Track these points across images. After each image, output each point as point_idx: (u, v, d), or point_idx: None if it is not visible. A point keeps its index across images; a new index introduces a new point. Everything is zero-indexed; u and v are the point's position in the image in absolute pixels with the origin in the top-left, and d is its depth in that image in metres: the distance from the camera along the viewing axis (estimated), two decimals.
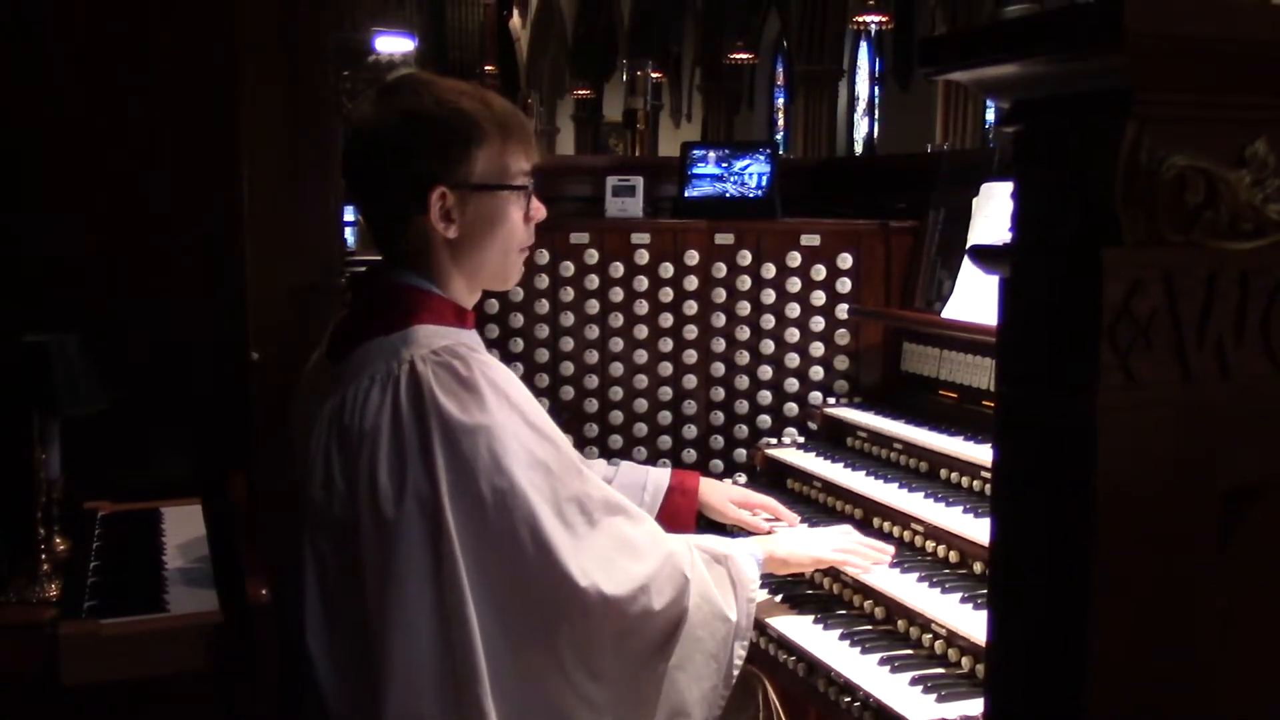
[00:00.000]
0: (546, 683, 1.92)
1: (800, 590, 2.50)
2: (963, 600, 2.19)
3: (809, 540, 2.40)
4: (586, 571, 1.89)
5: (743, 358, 3.30)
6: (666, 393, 3.30)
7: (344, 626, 1.92)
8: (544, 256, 3.24)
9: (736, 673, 2.10)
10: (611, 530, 1.96)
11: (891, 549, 2.42)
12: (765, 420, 3.30)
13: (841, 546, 2.37)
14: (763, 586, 2.32)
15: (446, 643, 1.84)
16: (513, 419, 1.87)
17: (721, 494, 2.66)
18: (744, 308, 3.29)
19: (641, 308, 3.28)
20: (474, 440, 1.82)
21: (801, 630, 2.31)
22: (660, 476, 2.59)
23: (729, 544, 2.22)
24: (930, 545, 2.43)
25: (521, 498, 1.84)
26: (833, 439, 3.12)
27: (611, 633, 1.94)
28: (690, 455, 3.30)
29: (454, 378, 1.85)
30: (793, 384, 3.30)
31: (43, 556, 2.58)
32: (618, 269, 3.26)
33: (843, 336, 3.29)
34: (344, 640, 1.92)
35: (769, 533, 2.54)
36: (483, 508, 1.83)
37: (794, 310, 3.28)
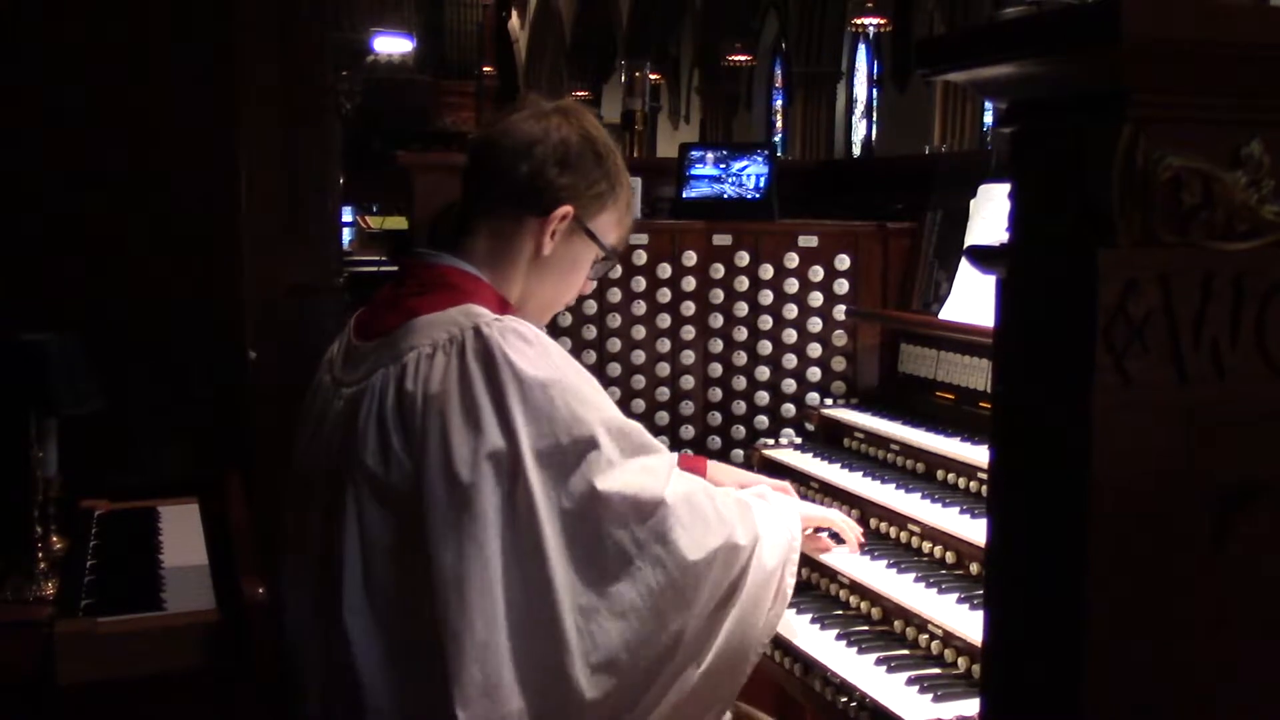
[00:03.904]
0: (628, 632, 1.92)
1: (797, 590, 2.50)
2: (959, 600, 2.20)
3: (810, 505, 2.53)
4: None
5: (740, 359, 3.30)
6: (664, 393, 3.30)
7: (389, 601, 1.89)
8: None
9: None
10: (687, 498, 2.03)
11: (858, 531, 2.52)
12: (763, 421, 3.30)
13: (832, 518, 2.49)
14: None
15: (527, 595, 1.84)
16: (580, 381, 1.93)
17: (731, 477, 2.65)
18: (741, 309, 3.29)
19: (639, 308, 3.28)
20: (549, 393, 1.86)
21: (798, 629, 2.31)
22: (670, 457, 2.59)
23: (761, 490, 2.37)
24: (927, 546, 2.44)
25: (605, 448, 1.88)
26: (830, 440, 3.12)
27: (705, 575, 1.98)
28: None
29: (519, 338, 1.90)
30: (790, 385, 3.30)
31: (39, 555, 2.59)
32: (615, 269, 3.26)
33: (840, 338, 3.29)
34: (388, 614, 1.90)
35: None
36: (563, 458, 1.86)
37: (791, 311, 3.29)
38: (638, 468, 1.94)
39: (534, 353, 1.89)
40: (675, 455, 2.12)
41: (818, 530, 2.49)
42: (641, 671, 1.94)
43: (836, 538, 2.50)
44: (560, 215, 2.06)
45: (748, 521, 2.10)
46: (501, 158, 2.07)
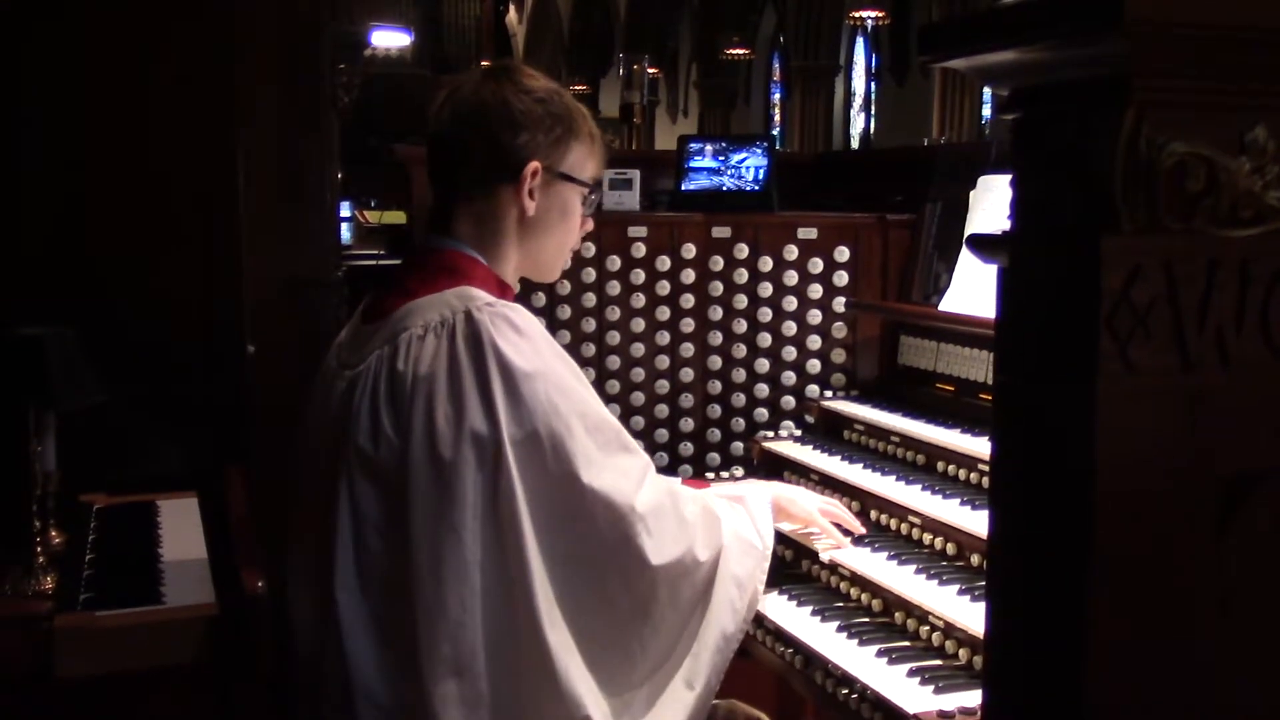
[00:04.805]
0: (599, 623, 1.98)
1: (798, 582, 2.50)
2: (960, 592, 2.19)
3: (806, 497, 2.52)
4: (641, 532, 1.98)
5: (740, 351, 3.30)
6: (663, 386, 3.29)
7: (381, 580, 1.92)
8: None
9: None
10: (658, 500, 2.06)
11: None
12: (762, 413, 3.30)
13: (826, 510, 2.51)
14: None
15: (504, 581, 1.87)
16: (566, 373, 1.95)
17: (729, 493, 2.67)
18: (741, 301, 3.28)
19: (638, 301, 3.27)
20: (532, 384, 1.88)
21: (799, 622, 2.31)
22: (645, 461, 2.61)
23: (740, 490, 2.39)
24: (928, 538, 2.43)
25: (580, 443, 1.90)
26: (830, 432, 3.12)
27: (666, 582, 2.03)
28: (687, 448, 3.30)
29: (510, 326, 1.91)
30: (790, 377, 3.29)
31: (38, 549, 2.58)
32: (614, 262, 3.25)
33: (840, 330, 3.28)
34: (379, 594, 1.92)
35: None
36: (541, 450, 1.88)
37: (791, 303, 3.28)
38: (616, 469, 1.96)
39: (523, 342, 1.90)
40: (651, 464, 2.15)
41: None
42: (614, 666, 1.99)
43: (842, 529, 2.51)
44: (530, 173, 2.06)
45: (713, 531, 2.16)
46: (454, 144, 2.08)
